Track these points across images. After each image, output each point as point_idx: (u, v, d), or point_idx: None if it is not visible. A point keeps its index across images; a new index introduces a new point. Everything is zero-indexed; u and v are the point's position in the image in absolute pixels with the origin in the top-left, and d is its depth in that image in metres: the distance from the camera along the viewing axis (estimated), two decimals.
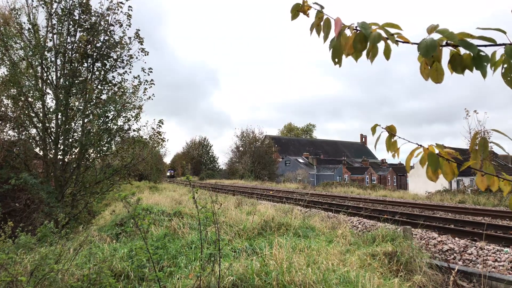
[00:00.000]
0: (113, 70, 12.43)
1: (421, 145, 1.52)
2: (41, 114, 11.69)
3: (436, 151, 1.48)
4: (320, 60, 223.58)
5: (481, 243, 8.84)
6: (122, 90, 12.44)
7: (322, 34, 1.57)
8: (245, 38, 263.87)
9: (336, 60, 1.55)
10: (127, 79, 12.75)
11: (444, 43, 1.36)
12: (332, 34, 1.54)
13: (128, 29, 12.28)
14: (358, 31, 1.46)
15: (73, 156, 12.15)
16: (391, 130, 1.62)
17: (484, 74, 1.31)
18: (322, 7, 1.55)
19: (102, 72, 12.33)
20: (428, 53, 1.33)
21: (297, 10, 1.59)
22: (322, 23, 1.56)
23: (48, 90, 11.89)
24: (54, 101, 11.76)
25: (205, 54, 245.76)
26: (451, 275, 6.08)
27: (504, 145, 1.54)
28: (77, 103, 11.80)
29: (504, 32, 1.29)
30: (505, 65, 1.31)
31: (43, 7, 11.77)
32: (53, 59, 11.79)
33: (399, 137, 1.61)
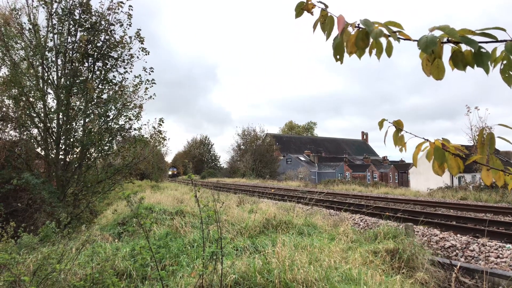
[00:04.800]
0: (114, 69, 12.45)
1: (427, 140, 1.53)
2: (42, 114, 11.71)
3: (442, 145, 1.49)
4: (321, 57, 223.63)
5: (483, 239, 8.83)
6: (122, 89, 12.44)
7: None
8: (245, 34, 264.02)
9: (338, 57, 1.56)
10: (127, 78, 12.78)
11: (445, 39, 1.36)
12: (335, 32, 1.55)
13: (128, 28, 12.30)
14: (361, 29, 1.47)
15: (75, 156, 12.17)
16: (398, 125, 1.63)
17: (486, 70, 1.31)
18: (326, 6, 1.56)
19: (103, 72, 12.35)
20: (428, 49, 1.33)
21: (301, 8, 1.59)
22: (325, 21, 1.56)
23: (49, 90, 11.92)
24: (55, 101, 11.80)
25: (203, 50, 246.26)
26: (453, 272, 6.08)
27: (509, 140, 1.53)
28: (78, 103, 11.81)
29: (504, 30, 1.29)
30: (505, 62, 1.31)
31: (43, 7, 11.78)
32: (53, 59, 11.80)
33: (406, 132, 1.62)
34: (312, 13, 1.59)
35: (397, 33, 1.43)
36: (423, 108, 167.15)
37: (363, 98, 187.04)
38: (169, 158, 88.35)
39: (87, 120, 11.84)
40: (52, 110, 11.68)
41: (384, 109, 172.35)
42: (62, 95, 11.50)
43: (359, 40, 1.48)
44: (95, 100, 11.95)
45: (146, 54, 12.57)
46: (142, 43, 12.44)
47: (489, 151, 1.45)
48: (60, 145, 11.80)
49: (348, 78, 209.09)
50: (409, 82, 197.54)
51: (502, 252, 7.89)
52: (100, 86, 12.34)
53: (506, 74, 1.32)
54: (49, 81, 11.88)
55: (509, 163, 41.74)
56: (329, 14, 1.56)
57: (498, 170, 1.44)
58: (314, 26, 1.60)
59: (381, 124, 1.65)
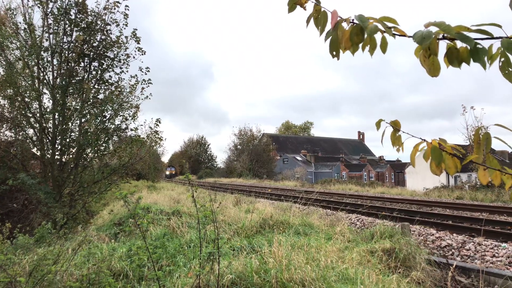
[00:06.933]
0: (110, 69, 12.40)
1: (424, 140, 1.54)
2: (38, 114, 11.65)
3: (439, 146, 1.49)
4: (318, 54, 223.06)
5: (479, 238, 8.88)
6: (119, 89, 12.40)
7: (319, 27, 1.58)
8: (240, 32, 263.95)
9: (334, 53, 1.55)
10: (124, 79, 12.74)
11: (440, 36, 1.36)
12: (328, 27, 1.54)
13: (124, 28, 12.25)
14: (355, 24, 1.47)
15: (71, 156, 12.11)
16: (396, 125, 1.63)
17: (483, 66, 1.31)
18: (318, 1, 1.56)
19: (99, 72, 12.29)
20: (424, 41, 1.32)
21: (294, 3, 1.59)
22: (319, 16, 1.56)
23: (44, 90, 11.84)
24: (51, 101, 11.72)
25: (199, 48, 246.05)
26: (449, 271, 6.10)
27: (506, 139, 1.54)
28: (74, 103, 11.76)
29: (500, 26, 1.29)
30: (502, 59, 1.31)
31: (38, 7, 11.72)
32: (49, 59, 11.74)
33: (403, 132, 1.63)
34: (305, 8, 1.59)
35: (392, 29, 1.43)
36: (421, 107, 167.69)
37: (361, 97, 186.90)
38: (165, 158, 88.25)
39: (83, 120, 11.79)
40: (48, 110, 11.62)
41: (382, 107, 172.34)
42: (58, 95, 11.44)
43: (354, 35, 1.48)
44: (91, 100, 11.89)
45: (142, 54, 12.55)
46: (138, 43, 12.40)
47: (486, 151, 1.45)
48: (56, 145, 11.74)
49: (346, 76, 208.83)
50: (408, 81, 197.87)
51: (497, 251, 7.93)
52: (96, 86, 12.29)
53: (506, 71, 1.32)
54: (45, 81, 11.81)
55: (505, 163, 42.00)
56: (322, 9, 1.56)
57: (494, 170, 1.44)
58: (308, 21, 1.59)
59: (378, 125, 1.65)
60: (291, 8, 1.60)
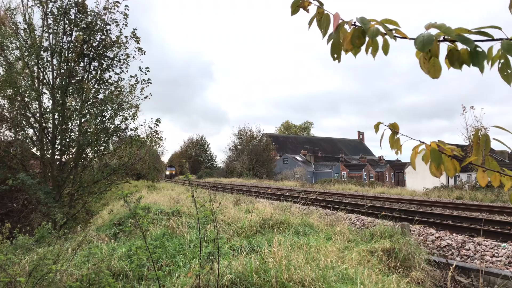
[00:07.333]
0: (110, 69, 12.39)
1: (423, 142, 1.54)
2: (37, 114, 11.65)
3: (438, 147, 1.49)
4: (318, 54, 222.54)
5: (479, 238, 8.88)
6: (119, 89, 12.40)
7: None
8: (240, 31, 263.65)
9: (335, 55, 1.56)
10: (123, 78, 12.73)
11: (441, 38, 1.37)
12: (331, 30, 1.56)
13: (124, 28, 12.25)
14: (357, 27, 1.47)
15: (71, 156, 12.11)
16: (394, 128, 1.64)
17: (481, 70, 1.32)
18: (321, 4, 1.57)
19: (99, 72, 12.29)
20: (425, 48, 1.33)
21: (297, 6, 1.60)
22: (322, 19, 1.57)
23: (44, 90, 11.85)
24: (50, 101, 11.72)
25: (198, 47, 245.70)
26: (449, 271, 6.11)
27: (504, 140, 1.53)
28: (74, 103, 11.75)
29: (500, 28, 1.30)
30: (502, 60, 1.32)
31: (38, 7, 11.72)
32: (49, 58, 11.74)
33: (402, 134, 1.63)
34: (308, 11, 1.60)
35: (394, 31, 1.44)
36: (421, 107, 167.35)
37: (361, 97, 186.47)
38: (165, 158, 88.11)
39: (83, 120, 11.79)
40: (48, 110, 11.62)
41: (382, 107, 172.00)
42: (57, 95, 11.44)
43: (355, 38, 1.49)
44: (91, 100, 11.89)
45: (142, 54, 12.54)
46: (138, 43, 12.40)
47: (485, 152, 1.45)
48: (56, 145, 11.74)
49: (346, 76, 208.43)
50: (407, 81, 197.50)
51: (497, 251, 7.94)
52: (96, 86, 12.28)
53: (504, 73, 1.33)
54: (45, 81, 11.81)
55: (505, 163, 42.03)
56: (325, 12, 1.57)
57: (494, 172, 1.44)
58: (310, 23, 1.60)
59: (377, 127, 1.65)
60: (294, 11, 1.61)
